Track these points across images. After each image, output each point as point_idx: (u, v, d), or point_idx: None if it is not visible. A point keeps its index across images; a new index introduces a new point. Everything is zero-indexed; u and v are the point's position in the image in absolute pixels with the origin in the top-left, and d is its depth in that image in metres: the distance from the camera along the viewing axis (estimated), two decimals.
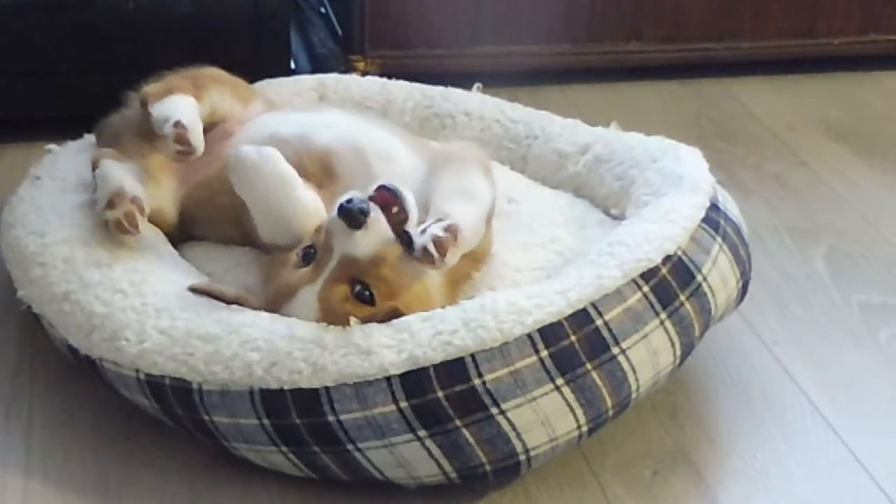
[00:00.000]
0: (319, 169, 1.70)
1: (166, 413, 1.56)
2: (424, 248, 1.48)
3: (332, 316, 1.51)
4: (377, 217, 1.51)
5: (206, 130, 1.74)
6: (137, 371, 1.55)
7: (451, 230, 1.50)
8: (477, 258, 1.67)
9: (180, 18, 2.32)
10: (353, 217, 1.49)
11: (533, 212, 1.86)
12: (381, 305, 1.51)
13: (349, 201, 1.49)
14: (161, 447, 1.60)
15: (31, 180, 1.89)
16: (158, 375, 1.53)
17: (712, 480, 1.58)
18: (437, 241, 1.48)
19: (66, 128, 1.97)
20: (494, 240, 1.75)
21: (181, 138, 1.68)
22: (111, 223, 1.68)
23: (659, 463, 1.61)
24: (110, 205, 1.68)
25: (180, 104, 1.75)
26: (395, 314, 1.51)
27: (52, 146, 1.99)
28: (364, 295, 1.51)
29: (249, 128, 1.82)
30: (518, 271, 1.71)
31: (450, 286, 1.61)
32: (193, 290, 1.60)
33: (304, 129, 1.77)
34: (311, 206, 1.61)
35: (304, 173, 1.65)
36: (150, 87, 1.79)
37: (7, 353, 1.78)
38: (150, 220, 1.74)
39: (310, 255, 1.54)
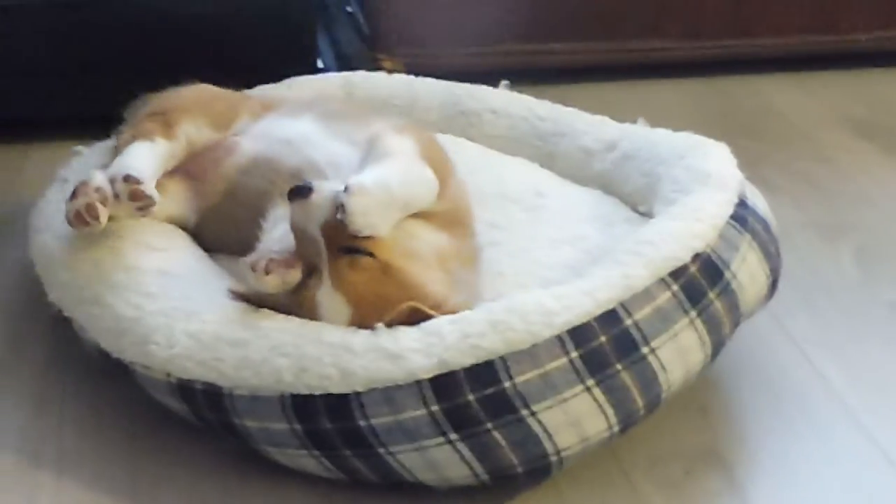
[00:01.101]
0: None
1: (197, 416, 1.56)
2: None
3: (357, 297, 1.52)
4: (319, 186, 1.53)
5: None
6: (168, 375, 1.55)
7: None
8: (454, 221, 1.65)
9: (208, 17, 2.33)
10: (298, 191, 1.52)
11: (561, 207, 1.87)
12: (400, 308, 1.51)
13: (290, 190, 1.53)
14: (192, 445, 1.60)
15: (59, 183, 1.90)
16: (189, 380, 1.54)
17: (743, 479, 1.58)
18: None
19: (94, 128, 1.98)
20: (523, 233, 1.75)
21: (135, 194, 1.68)
22: (70, 215, 1.68)
23: (690, 461, 1.60)
24: (73, 195, 1.68)
25: (135, 155, 1.74)
26: (417, 313, 1.51)
27: (79, 147, 2.00)
28: (361, 251, 1.52)
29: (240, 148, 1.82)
30: (549, 268, 1.71)
31: (443, 260, 1.60)
32: (233, 293, 1.59)
33: (277, 151, 1.77)
34: (418, 173, 1.61)
35: (280, 192, 1.65)
36: (119, 140, 1.80)
37: (38, 353, 1.79)
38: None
39: (308, 274, 1.55)
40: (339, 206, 1.51)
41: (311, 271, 1.55)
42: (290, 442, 1.50)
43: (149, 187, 1.69)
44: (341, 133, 1.77)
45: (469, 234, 1.69)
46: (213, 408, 1.53)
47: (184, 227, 1.82)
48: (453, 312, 1.52)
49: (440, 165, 1.65)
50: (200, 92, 1.88)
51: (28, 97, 2.32)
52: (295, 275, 1.55)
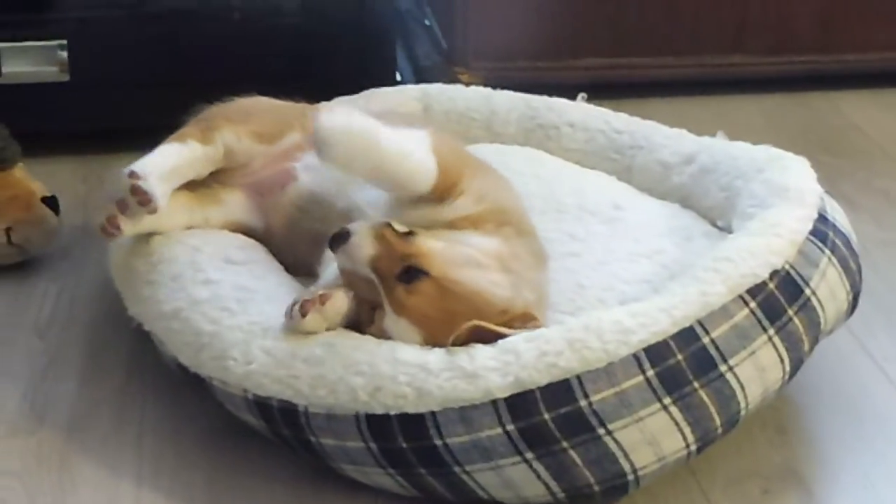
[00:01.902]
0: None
1: (274, 432, 1.57)
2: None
3: (422, 319, 1.51)
4: (355, 228, 1.52)
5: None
6: (245, 391, 1.56)
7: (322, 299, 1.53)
8: (502, 222, 1.62)
9: (286, 31, 2.35)
10: (338, 239, 1.52)
11: (639, 220, 1.86)
12: (461, 329, 1.50)
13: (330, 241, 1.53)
14: (268, 457, 1.60)
15: None
16: (265, 396, 1.54)
17: (822, 499, 1.56)
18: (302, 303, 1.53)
19: None
20: (601, 245, 1.76)
21: (134, 189, 1.67)
22: (98, 229, 1.70)
23: (768, 481, 1.59)
24: (104, 208, 1.70)
25: (156, 153, 1.74)
26: (481, 331, 1.50)
27: None
28: (413, 272, 1.51)
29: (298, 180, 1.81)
30: (627, 283, 1.71)
31: (501, 261, 1.57)
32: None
33: (328, 191, 1.75)
34: (410, 148, 1.58)
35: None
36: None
37: (119, 363, 1.80)
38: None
39: (372, 309, 1.55)
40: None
41: (374, 307, 1.55)
42: (365, 460, 1.50)
43: (149, 184, 1.67)
44: None
45: (523, 234, 1.66)
46: (289, 425, 1.53)
47: (253, 236, 1.82)
48: (523, 313, 1.53)
49: (454, 166, 1.61)
50: (252, 102, 1.87)
51: (109, 108, 2.34)
52: (335, 304, 1.54)
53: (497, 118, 2.16)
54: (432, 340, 1.51)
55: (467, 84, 2.28)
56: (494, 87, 2.22)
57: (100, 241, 1.91)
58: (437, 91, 2.21)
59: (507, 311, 1.53)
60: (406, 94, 2.20)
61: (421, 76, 2.54)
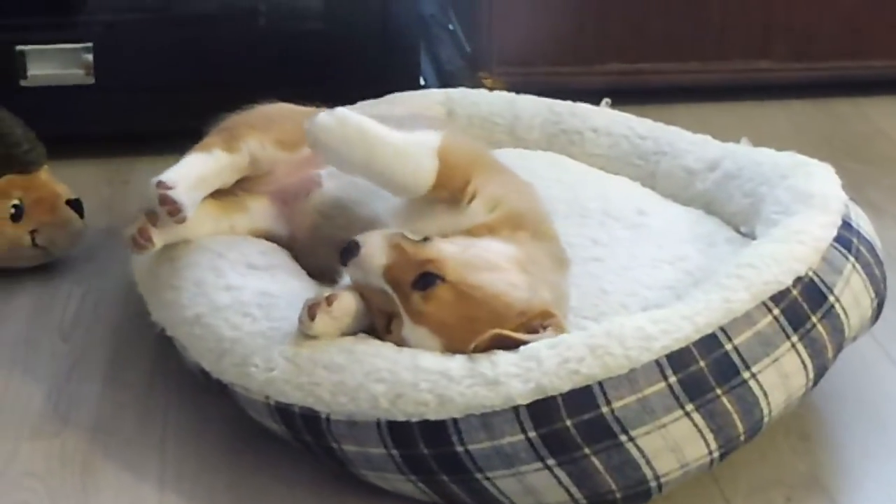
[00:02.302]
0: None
1: (296, 438, 1.56)
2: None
3: (441, 326, 1.50)
4: (364, 239, 1.51)
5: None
6: (267, 398, 1.56)
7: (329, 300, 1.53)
8: (518, 226, 1.61)
9: (310, 36, 2.35)
10: (347, 252, 1.51)
11: (662, 226, 1.86)
12: (482, 337, 1.49)
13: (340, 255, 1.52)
14: (291, 461, 1.60)
15: None
16: (287, 403, 1.54)
17: None
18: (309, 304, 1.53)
19: (197, 143, 1.97)
20: (624, 251, 1.76)
21: (163, 199, 1.67)
22: (127, 241, 1.70)
23: (791, 489, 1.58)
24: (133, 220, 1.71)
25: (183, 163, 1.75)
26: (502, 338, 1.49)
27: None
28: (429, 278, 1.50)
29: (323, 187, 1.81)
30: (648, 289, 1.71)
31: (517, 263, 1.56)
32: None
33: (352, 198, 1.76)
34: (408, 148, 1.58)
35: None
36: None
37: (142, 366, 1.81)
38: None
39: (389, 320, 1.54)
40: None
41: (390, 318, 1.54)
42: (387, 466, 1.50)
43: (178, 193, 1.67)
44: None
45: (542, 238, 1.65)
46: (311, 431, 1.53)
47: (278, 242, 1.82)
48: (542, 311, 1.52)
49: (461, 168, 1.61)
50: (274, 110, 1.87)
51: (134, 111, 2.35)
52: (342, 304, 1.54)
53: (520, 123, 2.16)
54: (452, 347, 1.51)
55: (491, 89, 2.29)
56: (518, 91, 2.22)
57: (122, 240, 1.92)
58: (461, 95, 2.21)
59: (525, 311, 1.52)
60: (430, 99, 2.21)
61: (445, 81, 2.54)
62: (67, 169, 2.16)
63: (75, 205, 2.03)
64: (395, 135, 1.59)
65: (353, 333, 1.56)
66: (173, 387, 1.76)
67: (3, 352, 1.84)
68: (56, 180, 2.06)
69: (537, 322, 1.51)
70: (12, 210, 1.98)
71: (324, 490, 1.57)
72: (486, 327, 1.49)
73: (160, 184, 1.68)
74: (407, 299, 1.51)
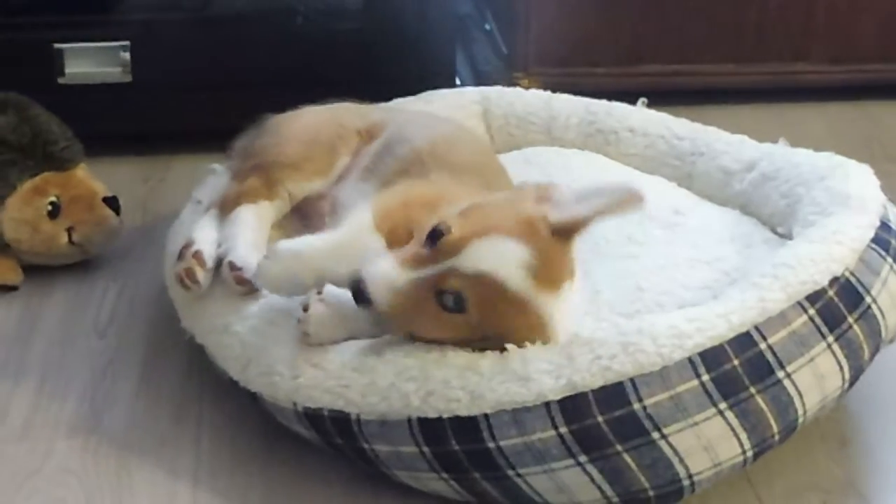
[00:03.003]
0: None
1: (327, 442, 1.57)
2: None
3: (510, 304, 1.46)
4: (368, 276, 1.46)
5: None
6: (295, 404, 1.56)
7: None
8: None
9: (347, 34, 2.35)
10: (360, 297, 1.48)
11: (699, 226, 1.85)
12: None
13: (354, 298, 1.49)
14: (325, 460, 1.60)
15: (193, 204, 1.92)
16: (316, 408, 1.54)
17: None
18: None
19: (232, 141, 1.97)
20: (660, 250, 1.76)
21: (239, 280, 1.69)
22: (175, 277, 1.72)
23: (827, 494, 1.57)
24: (179, 256, 1.73)
25: (243, 225, 1.75)
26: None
27: (215, 165, 2.02)
28: (450, 299, 1.47)
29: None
30: (685, 288, 1.70)
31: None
32: None
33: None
34: (346, 242, 1.58)
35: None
36: (225, 196, 1.81)
37: (177, 364, 1.82)
38: None
39: (433, 238, 1.48)
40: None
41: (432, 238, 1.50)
42: (419, 465, 1.50)
43: (249, 273, 1.67)
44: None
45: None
46: (342, 434, 1.53)
47: None
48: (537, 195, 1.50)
49: (414, 220, 1.55)
50: (303, 135, 1.86)
51: (172, 110, 2.35)
52: (333, 291, 1.54)
53: (557, 123, 2.15)
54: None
55: (527, 89, 2.28)
56: (554, 92, 2.21)
57: (160, 242, 1.93)
58: (497, 94, 2.21)
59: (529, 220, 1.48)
60: (465, 97, 2.20)
61: (480, 81, 2.53)
62: (104, 167, 2.17)
63: (112, 202, 2.04)
64: (328, 239, 1.58)
65: (357, 333, 1.56)
66: (208, 384, 1.76)
67: (39, 349, 1.85)
68: (93, 178, 2.07)
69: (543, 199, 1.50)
70: (49, 207, 1.99)
71: (358, 489, 1.57)
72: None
73: (232, 265, 1.69)
74: (436, 308, 1.47)
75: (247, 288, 1.68)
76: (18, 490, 1.57)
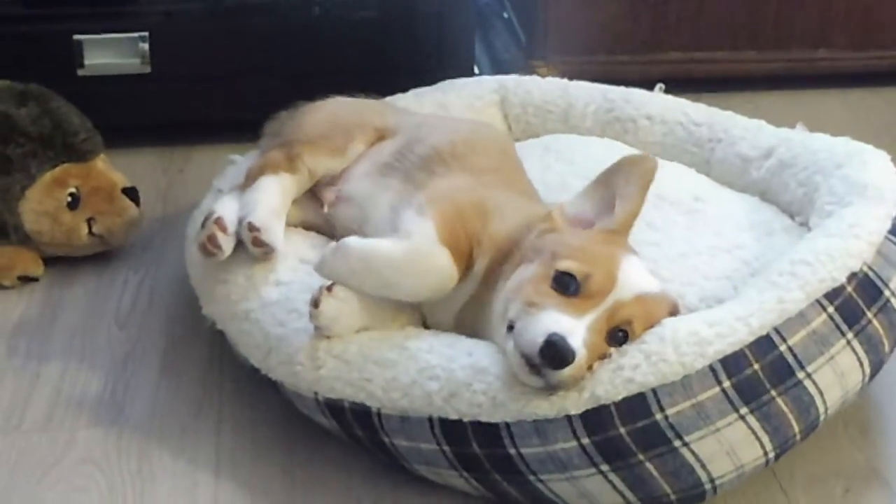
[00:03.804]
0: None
1: (346, 432, 1.57)
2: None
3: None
4: (574, 349, 1.42)
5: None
6: (316, 394, 1.56)
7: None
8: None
9: (365, 24, 2.35)
10: (560, 360, 1.43)
11: (719, 213, 1.84)
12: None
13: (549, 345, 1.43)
14: (345, 449, 1.61)
15: (214, 193, 1.91)
16: (337, 399, 1.55)
17: None
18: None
19: (255, 130, 1.99)
20: (680, 237, 1.76)
21: (256, 241, 1.70)
22: (198, 246, 1.72)
23: (850, 481, 1.58)
24: (202, 226, 1.73)
25: (264, 192, 1.76)
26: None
27: (234, 156, 2.03)
28: (622, 337, 1.48)
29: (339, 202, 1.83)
30: (706, 279, 1.69)
31: None
32: None
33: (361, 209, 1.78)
34: (414, 257, 1.55)
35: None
36: (249, 169, 1.82)
37: (198, 354, 1.82)
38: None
39: (568, 286, 1.48)
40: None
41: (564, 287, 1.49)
42: (440, 462, 1.50)
43: (268, 234, 1.70)
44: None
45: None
46: (362, 426, 1.54)
47: (327, 235, 1.82)
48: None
49: (467, 234, 1.58)
50: (323, 116, 1.89)
51: (191, 100, 2.35)
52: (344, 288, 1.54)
53: (574, 111, 2.14)
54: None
55: (545, 77, 2.27)
56: (573, 80, 2.21)
57: (180, 232, 1.94)
58: (514, 83, 2.20)
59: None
60: (483, 87, 2.20)
61: (499, 69, 2.53)
62: (123, 158, 2.18)
63: (131, 193, 2.05)
64: (397, 249, 1.55)
65: (369, 324, 1.57)
66: (229, 374, 1.77)
67: (60, 340, 1.85)
68: (112, 169, 2.07)
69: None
70: (69, 198, 2.00)
71: (378, 480, 1.58)
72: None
73: (252, 227, 1.70)
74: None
75: (264, 250, 1.69)
76: (40, 481, 1.58)
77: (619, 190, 1.57)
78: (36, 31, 2.27)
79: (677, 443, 1.42)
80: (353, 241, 1.54)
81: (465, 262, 1.57)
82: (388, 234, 1.62)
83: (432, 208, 1.58)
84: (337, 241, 1.55)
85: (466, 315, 1.59)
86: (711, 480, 1.44)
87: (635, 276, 1.50)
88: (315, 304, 1.54)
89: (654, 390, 1.42)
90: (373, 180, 1.79)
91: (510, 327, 1.47)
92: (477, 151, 1.79)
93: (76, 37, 2.27)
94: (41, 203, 1.99)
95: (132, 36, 2.29)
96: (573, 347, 1.41)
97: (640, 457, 1.42)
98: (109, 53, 2.29)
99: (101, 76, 2.30)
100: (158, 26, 2.29)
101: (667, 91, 2.16)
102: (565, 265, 1.48)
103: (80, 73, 2.29)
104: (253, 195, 1.76)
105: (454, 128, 1.87)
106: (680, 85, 2.25)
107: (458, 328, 1.59)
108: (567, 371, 1.42)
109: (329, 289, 1.54)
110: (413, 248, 1.55)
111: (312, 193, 1.85)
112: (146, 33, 2.29)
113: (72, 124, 2.03)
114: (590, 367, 1.44)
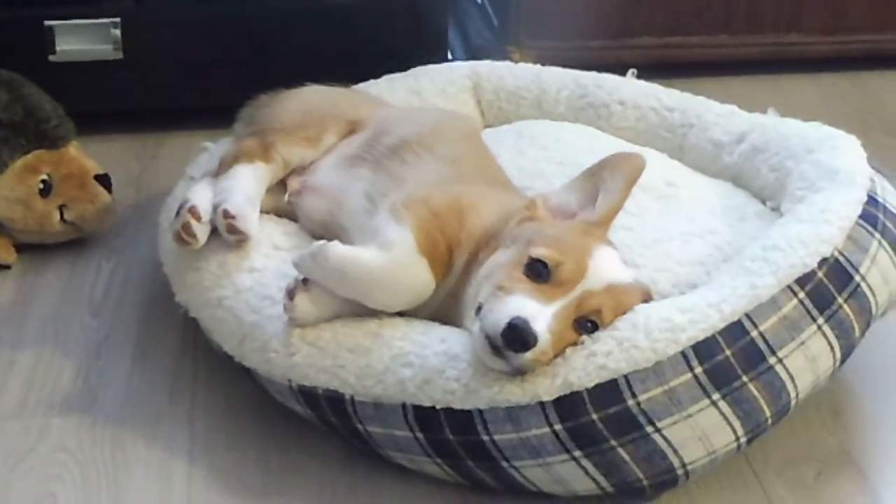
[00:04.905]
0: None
1: (320, 420, 1.58)
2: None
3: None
4: (537, 332, 1.43)
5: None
6: (290, 381, 1.57)
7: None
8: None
9: (338, 10, 2.34)
10: (521, 343, 1.43)
11: (692, 199, 1.84)
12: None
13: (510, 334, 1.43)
14: (319, 435, 1.61)
15: (187, 181, 1.91)
16: (311, 386, 1.55)
17: (877, 482, 1.56)
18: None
19: (227, 118, 1.98)
20: (654, 222, 1.76)
21: (232, 229, 1.70)
22: (173, 234, 1.72)
23: (822, 464, 1.59)
24: (176, 215, 1.72)
25: (239, 180, 1.76)
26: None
27: (207, 144, 2.02)
28: (589, 325, 1.48)
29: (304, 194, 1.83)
30: (679, 264, 1.69)
31: None
32: None
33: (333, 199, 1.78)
34: (392, 267, 1.54)
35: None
36: (222, 157, 1.82)
37: (171, 341, 1.83)
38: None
39: (539, 272, 1.49)
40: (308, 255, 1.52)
41: (536, 275, 1.49)
42: (414, 449, 1.51)
43: (244, 222, 1.70)
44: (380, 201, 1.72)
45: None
46: (336, 413, 1.54)
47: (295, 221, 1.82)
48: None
49: (451, 236, 1.57)
50: (298, 105, 1.89)
51: (164, 87, 2.35)
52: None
53: (547, 97, 2.14)
54: None
55: (518, 63, 2.27)
56: (546, 65, 2.20)
57: (153, 220, 1.93)
58: (487, 69, 2.20)
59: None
60: (455, 72, 2.19)
61: (472, 55, 2.52)
62: (96, 144, 2.17)
63: (104, 180, 2.04)
64: (376, 261, 1.53)
65: (343, 314, 1.56)
66: (202, 361, 1.77)
67: (33, 328, 1.85)
68: (85, 156, 2.07)
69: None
70: (41, 185, 1.99)
71: (354, 466, 1.58)
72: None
73: (227, 214, 1.70)
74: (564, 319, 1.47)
75: (239, 237, 1.69)
76: (13, 469, 1.58)
77: (604, 184, 1.58)
78: (7, 17, 2.26)
79: (649, 428, 1.43)
80: (333, 247, 1.52)
81: (445, 268, 1.57)
82: (364, 224, 1.63)
83: (410, 215, 1.57)
84: (317, 242, 1.54)
85: (444, 309, 1.59)
86: (684, 466, 1.45)
87: (606, 266, 1.51)
88: (290, 296, 1.54)
89: (626, 377, 1.43)
90: (343, 171, 1.79)
91: (479, 310, 1.47)
92: (444, 140, 1.79)
93: (47, 22, 2.26)
94: (13, 190, 1.98)
95: (104, 22, 2.28)
96: (535, 331, 1.42)
97: (613, 442, 1.43)
98: (81, 39, 2.28)
99: (72, 62, 2.28)
100: (130, 12, 2.28)
101: (639, 76, 2.15)
102: (538, 252, 1.49)
103: (52, 59, 2.27)
104: (228, 182, 1.76)
105: (420, 118, 1.87)
106: (653, 70, 2.24)
107: (436, 321, 1.59)
108: (529, 355, 1.42)
109: (305, 281, 1.54)
110: (391, 263, 1.53)
111: (282, 181, 1.85)
112: (118, 19, 2.27)
113: (44, 111, 2.02)
114: (557, 355, 1.45)
